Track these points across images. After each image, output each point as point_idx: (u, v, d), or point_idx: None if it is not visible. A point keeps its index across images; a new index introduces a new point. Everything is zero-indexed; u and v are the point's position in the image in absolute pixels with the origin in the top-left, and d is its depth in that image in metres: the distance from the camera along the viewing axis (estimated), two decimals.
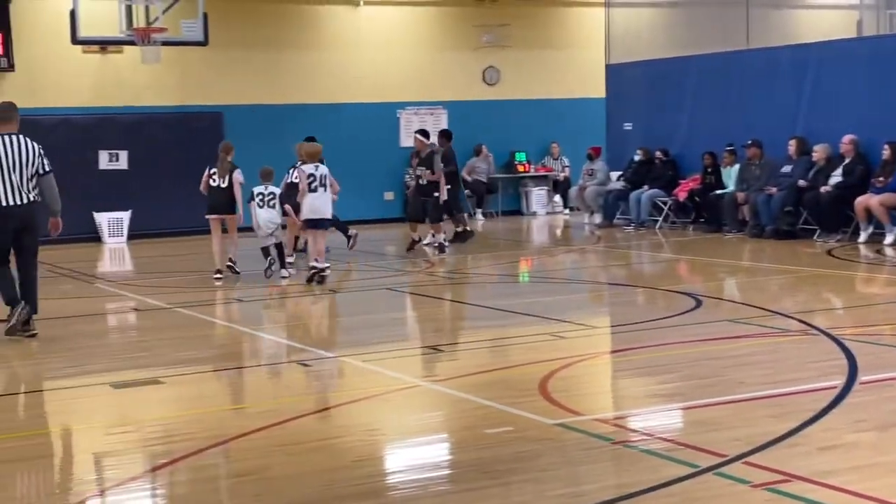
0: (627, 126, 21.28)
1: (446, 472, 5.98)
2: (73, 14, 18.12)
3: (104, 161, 20.81)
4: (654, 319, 10.38)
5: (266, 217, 14.03)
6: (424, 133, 16.29)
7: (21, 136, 10.27)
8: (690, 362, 8.41)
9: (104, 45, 20.13)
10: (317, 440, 6.55)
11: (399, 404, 7.54)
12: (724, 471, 5.52)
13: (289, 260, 14.52)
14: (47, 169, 10.31)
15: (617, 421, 6.80)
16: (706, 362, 8.39)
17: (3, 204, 10.11)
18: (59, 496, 5.72)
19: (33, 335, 10.34)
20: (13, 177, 10.11)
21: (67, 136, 20.49)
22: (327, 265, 13.65)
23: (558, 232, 21.03)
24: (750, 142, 17.74)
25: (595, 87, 22.77)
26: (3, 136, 10.20)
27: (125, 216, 20.51)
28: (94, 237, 20.45)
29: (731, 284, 13.33)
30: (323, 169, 13.60)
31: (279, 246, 14.15)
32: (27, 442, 7.00)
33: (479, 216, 23.20)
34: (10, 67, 19.88)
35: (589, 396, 7.74)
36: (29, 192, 10.20)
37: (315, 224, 13.59)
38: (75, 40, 18.52)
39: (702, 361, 8.43)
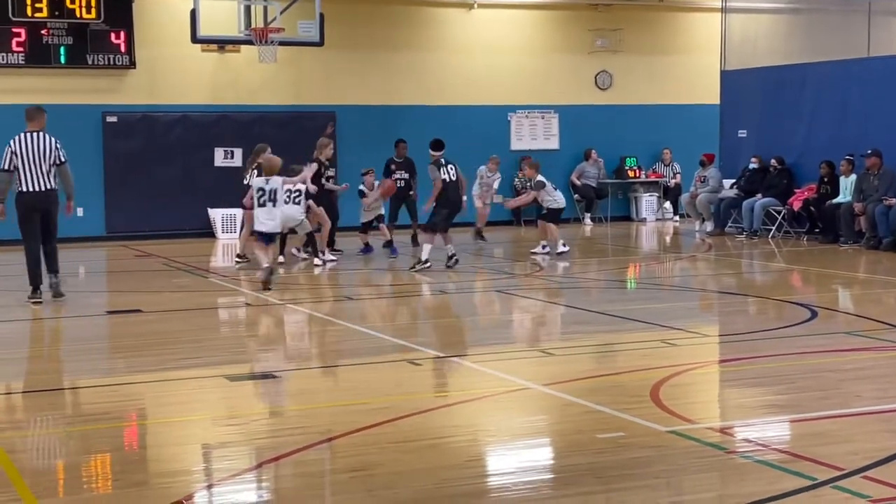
0: (742, 133, 20.97)
1: (558, 475, 5.96)
2: (193, 13, 18.52)
3: (219, 158, 21.23)
4: (767, 329, 10.21)
5: (289, 213, 14.80)
6: (433, 144, 16.26)
7: (43, 133, 12.08)
8: (805, 374, 8.26)
9: (222, 44, 20.52)
10: (428, 439, 6.59)
11: (510, 406, 7.55)
12: (843, 484, 5.41)
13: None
14: (63, 160, 12.15)
15: (730, 430, 6.71)
16: (821, 374, 8.22)
17: (28, 190, 12.00)
18: (172, 484, 5.84)
19: (61, 296, 12.32)
20: (35, 168, 11.96)
21: (185, 133, 20.99)
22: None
23: (668, 239, 20.80)
24: (869, 151, 17.34)
25: (709, 94, 22.49)
26: (28, 133, 12.03)
27: (238, 213, 20.84)
28: (209, 232, 20.87)
29: (846, 296, 13.04)
30: (274, 183, 13.52)
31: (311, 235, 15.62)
32: (141, 430, 7.19)
33: (588, 221, 23.06)
34: (132, 65, 20.41)
35: (701, 405, 7.65)
36: (49, 180, 12.07)
37: (268, 237, 13.61)
38: (195, 39, 18.92)
39: (817, 373, 8.26)
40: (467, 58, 22.84)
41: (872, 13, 18.84)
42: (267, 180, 13.52)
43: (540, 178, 16.76)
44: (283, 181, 13.74)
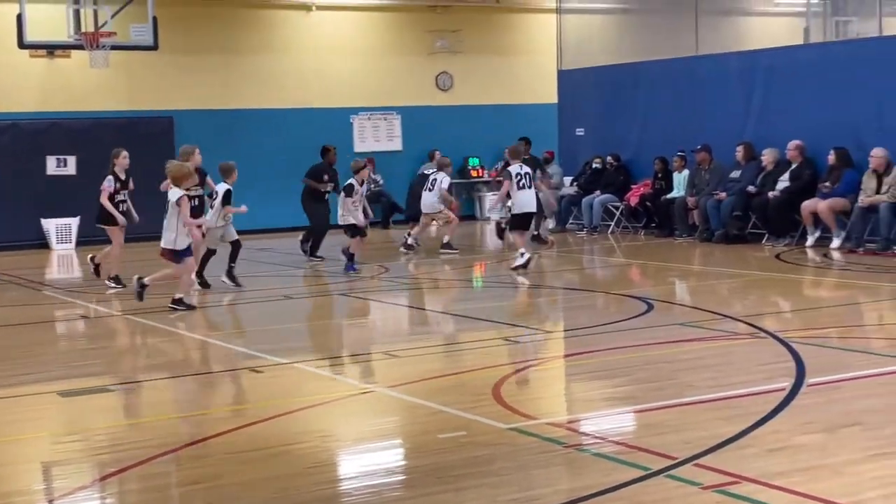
0: (579, 131, 21.41)
1: (401, 477, 5.99)
2: (19, 18, 17.90)
3: (52, 166, 20.59)
4: (606, 323, 10.45)
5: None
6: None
7: None
8: (642, 366, 8.48)
9: (52, 49, 19.94)
10: (270, 447, 6.52)
11: (353, 410, 7.54)
12: (675, 473, 5.57)
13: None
14: None
15: (569, 425, 6.85)
16: (657, 366, 8.45)
17: None
18: None
19: None
20: None
21: (14, 141, 20.31)
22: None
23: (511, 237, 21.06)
24: (699, 147, 17.92)
25: (547, 93, 22.88)
26: None
27: (74, 222, 20.30)
28: (42, 243, 20.24)
29: (681, 288, 13.45)
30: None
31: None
32: None
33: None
34: None
35: (542, 400, 7.78)
36: None
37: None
38: (22, 44, 18.29)
39: (653, 365, 8.49)
40: (307, 60, 22.72)
41: (699, 13, 19.48)
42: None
43: (510, 167, 14.83)
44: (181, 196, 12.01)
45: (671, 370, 8.24)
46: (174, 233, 11.93)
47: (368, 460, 6.32)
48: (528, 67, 24.40)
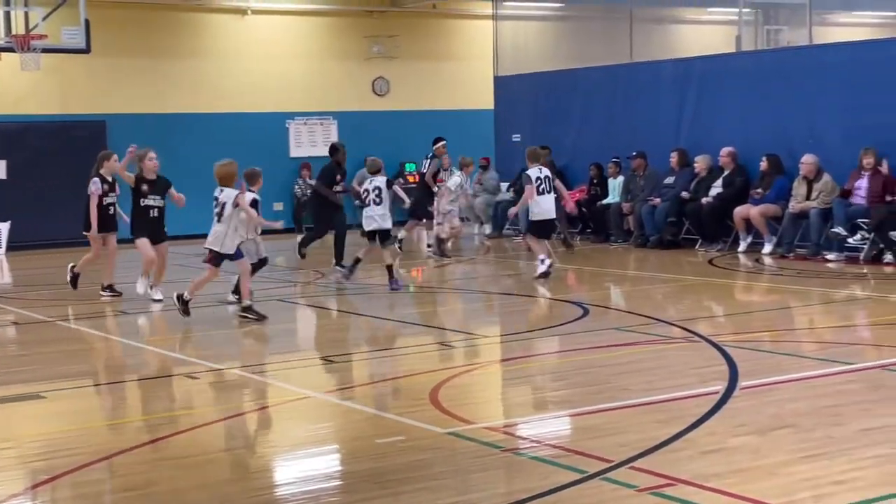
0: (516, 138, 21.51)
1: (339, 482, 5.97)
2: None
3: None
4: (542, 328, 10.51)
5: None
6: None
7: None
8: (578, 370, 8.55)
9: None
10: (206, 453, 6.47)
11: (290, 416, 7.51)
12: (611, 476, 5.62)
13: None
14: None
15: (507, 429, 6.87)
16: (593, 370, 8.53)
17: None
18: None
19: None
20: None
21: None
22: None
23: (448, 242, 21.08)
24: (634, 153, 18.09)
25: (484, 99, 22.96)
26: None
27: (4, 227, 19.97)
28: None
29: (616, 293, 13.56)
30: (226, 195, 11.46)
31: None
32: None
33: None
34: None
35: (479, 405, 7.80)
36: None
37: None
38: None
39: (589, 369, 8.57)
40: (243, 64, 22.59)
41: (634, 20, 19.67)
42: (221, 190, 11.52)
43: (529, 171, 14.23)
44: (238, 195, 11.39)
45: (607, 374, 8.31)
46: (224, 234, 11.34)
47: (306, 466, 6.30)
48: (464, 73, 24.47)
